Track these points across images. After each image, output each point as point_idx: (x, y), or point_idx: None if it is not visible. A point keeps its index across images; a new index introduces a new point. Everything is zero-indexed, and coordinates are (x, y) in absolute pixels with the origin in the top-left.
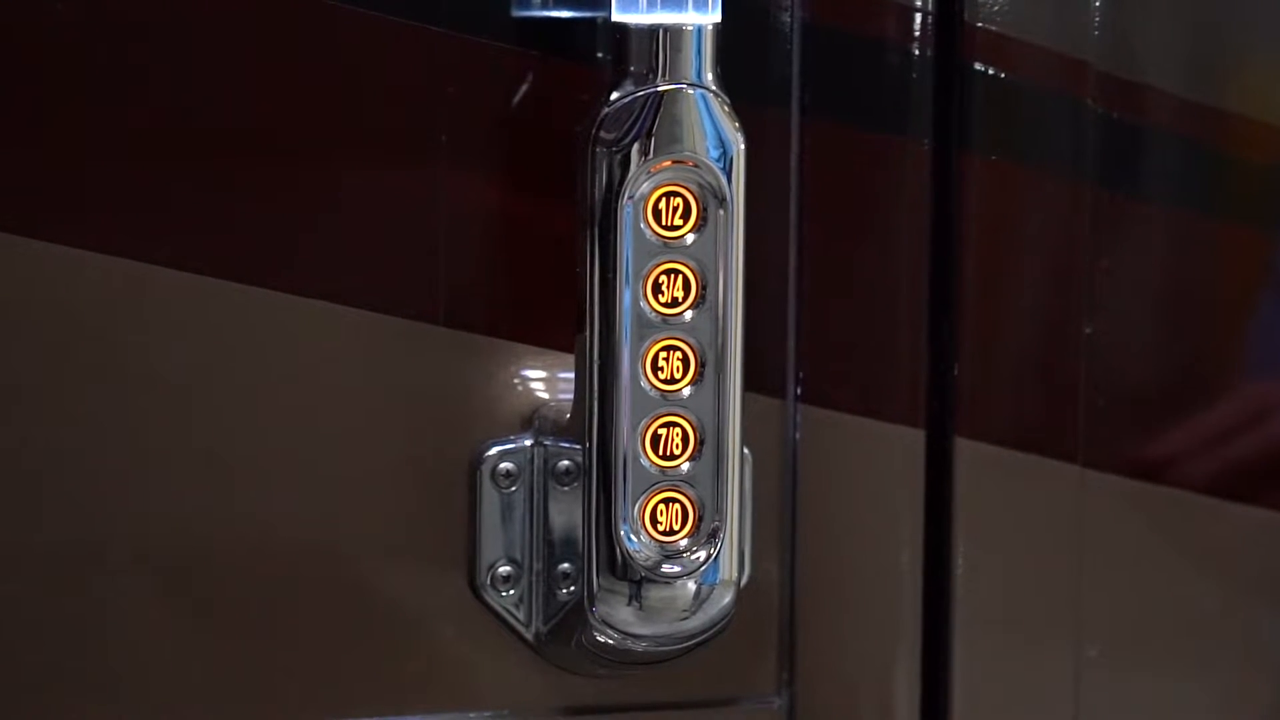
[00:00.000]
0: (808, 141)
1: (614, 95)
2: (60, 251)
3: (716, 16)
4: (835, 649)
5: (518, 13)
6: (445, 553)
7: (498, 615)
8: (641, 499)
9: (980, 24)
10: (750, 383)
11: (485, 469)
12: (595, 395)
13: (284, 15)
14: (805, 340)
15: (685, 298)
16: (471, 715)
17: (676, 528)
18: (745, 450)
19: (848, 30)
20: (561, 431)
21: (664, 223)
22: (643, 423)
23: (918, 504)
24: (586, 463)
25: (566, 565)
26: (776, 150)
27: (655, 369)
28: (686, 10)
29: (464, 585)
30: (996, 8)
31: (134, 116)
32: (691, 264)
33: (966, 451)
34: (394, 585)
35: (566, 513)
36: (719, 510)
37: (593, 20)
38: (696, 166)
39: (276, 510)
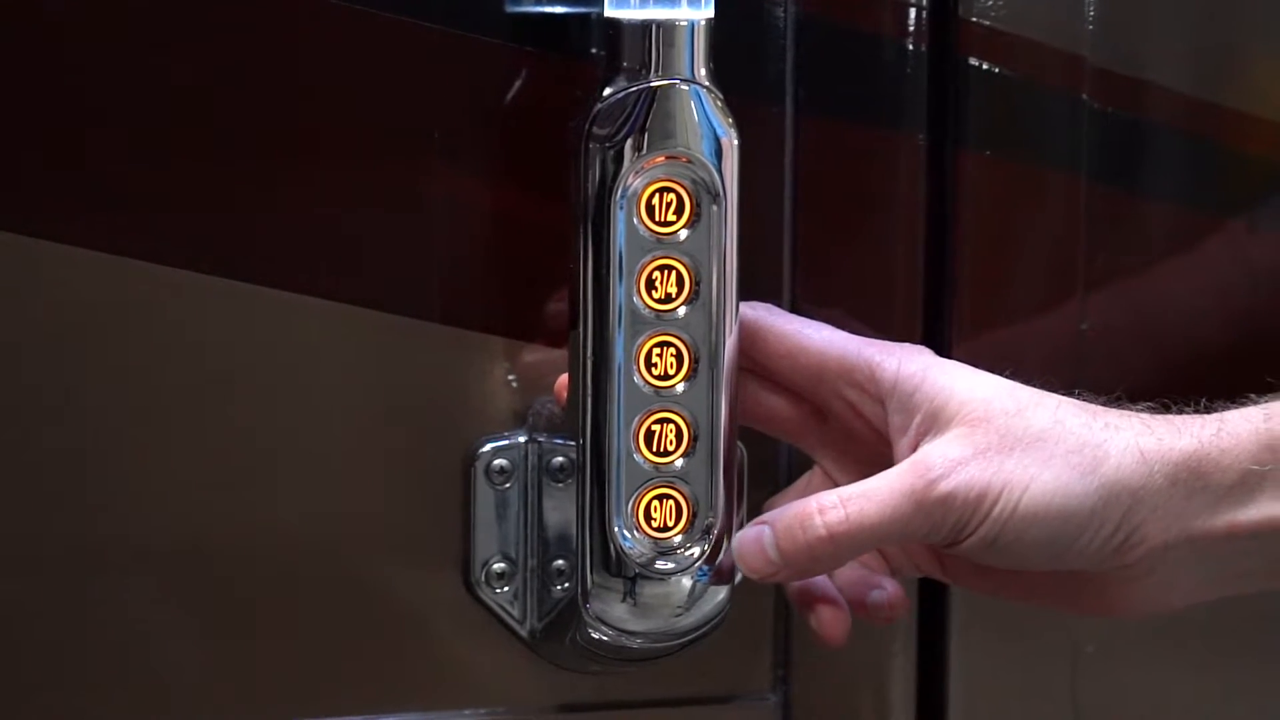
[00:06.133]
0: (802, 137)
1: (607, 91)
2: (62, 250)
3: (709, 11)
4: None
5: (511, 8)
6: (439, 550)
7: (492, 612)
8: (635, 495)
9: (975, 19)
10: None
11: (479, 466)
12: (589, 392)
13: (278, 13)
14: None
15: (679, 294)
16: (466, 712)
17: (670, 524)
18: (739, 446)
19: (842, 25)
20: (555, 428)
21: (657, 218)
22: (636, 419)
23: None
24: (580, 459)
25: (561, 562)
26: (770, 146)
27: (649, 365)
28: (680, 5)
29: (458, 582)
30: (991, 2)
31: (135, 116)
32: (685, 260)
33: None
34: (389, 583)
35: (561, 509)
36: (713, 506)
37: (586, 16)
38: (690, 162)
39: (270, 508)
